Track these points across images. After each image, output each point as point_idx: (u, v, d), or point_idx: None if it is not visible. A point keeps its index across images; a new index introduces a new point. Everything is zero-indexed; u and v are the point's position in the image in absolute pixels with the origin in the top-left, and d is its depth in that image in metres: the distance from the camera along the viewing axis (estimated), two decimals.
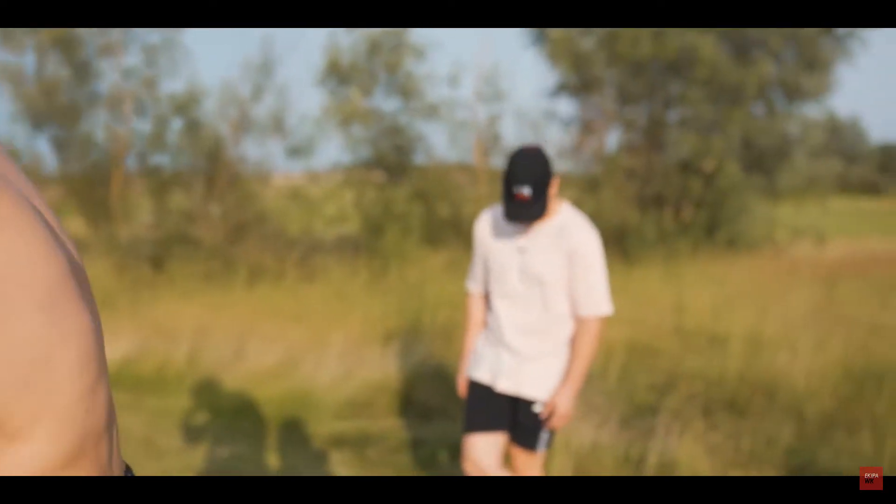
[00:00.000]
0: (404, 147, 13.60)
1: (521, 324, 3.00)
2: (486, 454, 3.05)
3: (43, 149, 15.02)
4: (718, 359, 5.71)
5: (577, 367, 2.92)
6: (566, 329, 3.00)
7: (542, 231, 2.92)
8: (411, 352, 6.05)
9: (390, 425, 4.92)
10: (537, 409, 2.99)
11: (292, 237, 13.25)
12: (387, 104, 13.34)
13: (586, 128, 15.29)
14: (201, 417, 5.15)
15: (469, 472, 3.08)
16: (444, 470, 4.43)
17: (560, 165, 15.62)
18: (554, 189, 2.82)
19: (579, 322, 2.95)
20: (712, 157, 13.43)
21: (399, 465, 4.44)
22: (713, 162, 13.50)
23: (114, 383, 5.86)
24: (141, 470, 4.28)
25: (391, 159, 13.59)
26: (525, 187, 2.74)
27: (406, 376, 5.40)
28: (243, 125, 13.08)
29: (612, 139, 15.22)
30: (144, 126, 12.33)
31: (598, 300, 2.91)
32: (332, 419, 4.99)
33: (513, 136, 14.92)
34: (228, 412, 5.21)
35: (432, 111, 13.19)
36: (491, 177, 13.78)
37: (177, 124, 12.57)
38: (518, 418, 3.05)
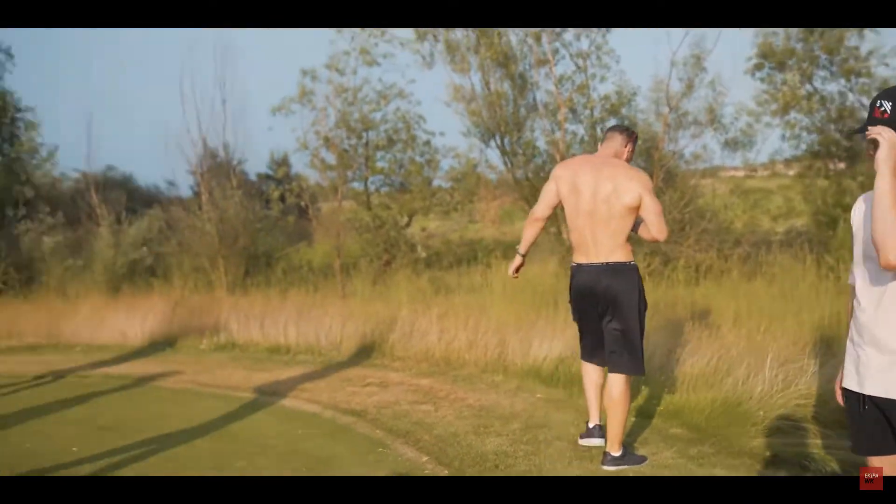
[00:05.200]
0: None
1: None
2: None
3: (493, 158, 16.44)
4: None
5: None
6: None
7: None
8: None
9: (829, 445, 4.38)
10: None
11: (736, 233, 12.73)
12: (829, 87, 12.20)
13: None
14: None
15: None
16: None
17: None
18: None
19: None
20: None
21: None
22: None
23: (550, 380, 6.21)
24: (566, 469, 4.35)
25: (840, 146, 12.41)
26: (887, 103, 2.36)
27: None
28: (677, 121, 12.90)
29: None
30: (579, 130, 12.80)
31: None
32: (764, 434, 4.62)
33: None
34: (659, 414, 5.12)
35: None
36: None
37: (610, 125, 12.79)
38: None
